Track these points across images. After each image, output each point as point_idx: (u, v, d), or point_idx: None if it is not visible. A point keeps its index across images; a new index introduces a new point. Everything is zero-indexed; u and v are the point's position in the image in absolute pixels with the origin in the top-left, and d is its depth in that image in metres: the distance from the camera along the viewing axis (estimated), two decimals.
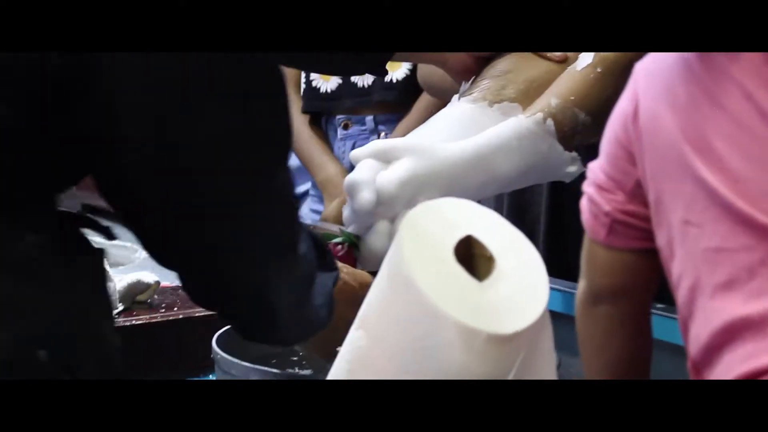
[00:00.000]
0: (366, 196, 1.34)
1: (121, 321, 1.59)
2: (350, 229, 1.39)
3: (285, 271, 1.17)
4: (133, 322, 1.60)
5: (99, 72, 1.02)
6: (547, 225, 1.71)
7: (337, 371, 1.12)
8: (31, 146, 1.05)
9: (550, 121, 1.42)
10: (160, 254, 1.15)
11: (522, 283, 1.07)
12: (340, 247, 1.37)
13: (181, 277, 1.17)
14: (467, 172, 1.38)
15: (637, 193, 1.09)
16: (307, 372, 1.50)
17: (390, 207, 1.35)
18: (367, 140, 2.49)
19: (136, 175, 1.06)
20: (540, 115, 1.42)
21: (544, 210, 1.72)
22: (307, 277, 1.22)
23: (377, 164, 1.38)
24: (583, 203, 1.14)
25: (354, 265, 1.40)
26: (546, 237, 1.69)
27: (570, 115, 1.43)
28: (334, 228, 2.10)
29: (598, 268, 1.15)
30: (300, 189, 2.76)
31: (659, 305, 1.57)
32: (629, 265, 1.12)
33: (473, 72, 1.54)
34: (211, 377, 1.59)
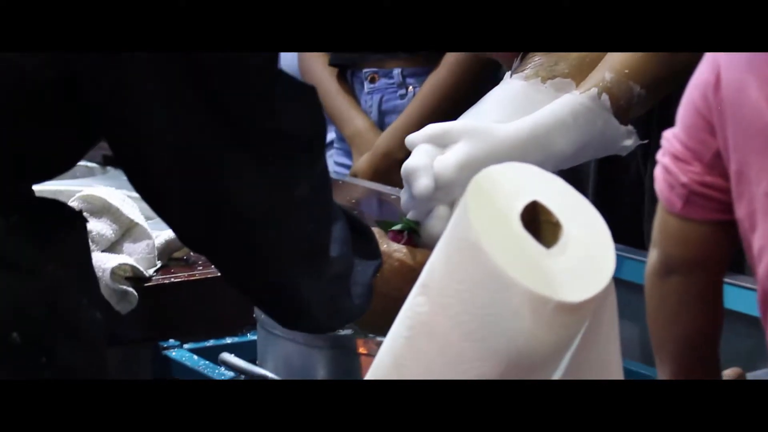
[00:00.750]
0: (425, 182, 1.33)
1: (159, 278, 1.57)
2: (409, 215, 1.37)
3: (315, 273, 1.18)
4: (172, 279, 1.58)
5: (119, 75, 1.03)
6: (595, 183, 1.69)
7: (395, 338, 1.10)
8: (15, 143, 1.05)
9: (605, 96, 1.40)
10: (190, 245, 1.22)
11: (589, 250, 1.05)
12: (401, 236, 1.36)
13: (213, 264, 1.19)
14: (525, 152, 1.36)
15: (716, 164, 1.06)
16: (347, 332, 1.48)
17: (449, 192, 1.33)
18: (395, 94, 2.46)
19: (162, 175, 1.08)
20: (595, 90, 1.40)
21: (592, 169, 1.70)
22: (341, 275, 1.21)
23: (433, 149, 1.36)
24: (658, 173, 1.12)
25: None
26: (594, 198, 1.67)
27: (625, 89, 1.41)
28: (391, 190, 2.08)
29: (672, 238, 1.12)
30: None
31: None
32: (705, 237, 1.10)
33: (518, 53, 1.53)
34: (249, 336, 1.58)
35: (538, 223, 1.07)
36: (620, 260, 1.45)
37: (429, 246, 1.35)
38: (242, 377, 1.38)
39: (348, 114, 2.47)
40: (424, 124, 1.43)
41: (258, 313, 1.43)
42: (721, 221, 1.09)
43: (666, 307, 1.15)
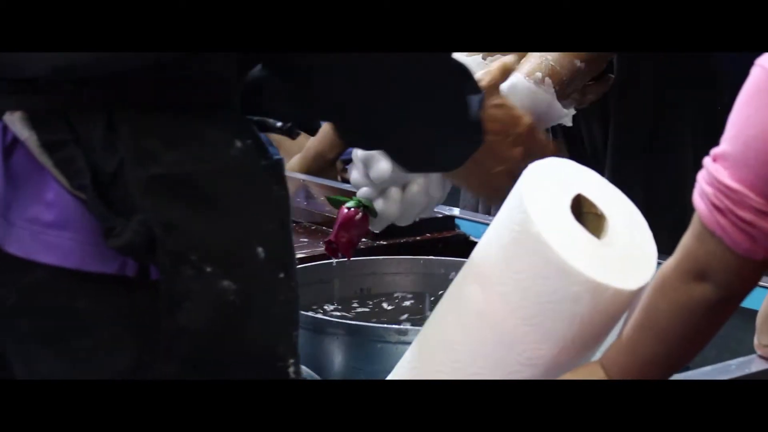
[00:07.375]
0: (383, 166, 1.39)
1: None
2: (360, 193, 1.43)
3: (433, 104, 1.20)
4: None
5: None
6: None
7: (442, 321, 1.17)
8: None
9: (548, 81, 1.46)
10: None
11: (633, 240, 1.13)
12: (354, 210, 1.43)
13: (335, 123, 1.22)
14: None
15: None
16: None
17: (403, 174, 1.40)
18: None
19: None
20: (539, 74, 1.47)
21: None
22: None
23: None
24: (729, 223, 1.03)
25: (368, 228, 1.45)
26: None
27: (567, 64, 1.48)
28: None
29: (736, 275, 1.05)
30: None
31: None
32: (759, 268, 1.05)
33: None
34: None
35: (582, 215, 1.15)
36: None
37: (380, 224, 1.43)
38: None
39: None
40: None
41: None
42: None
43: (673, 310, 1.07)
